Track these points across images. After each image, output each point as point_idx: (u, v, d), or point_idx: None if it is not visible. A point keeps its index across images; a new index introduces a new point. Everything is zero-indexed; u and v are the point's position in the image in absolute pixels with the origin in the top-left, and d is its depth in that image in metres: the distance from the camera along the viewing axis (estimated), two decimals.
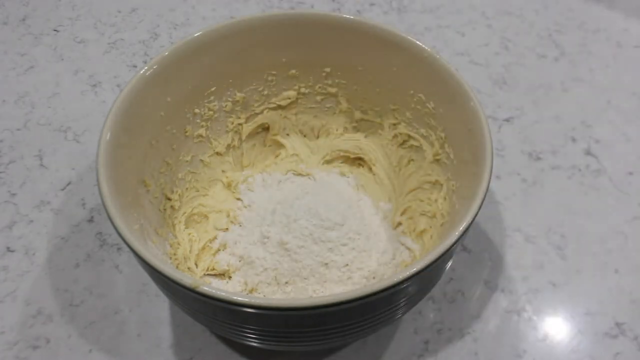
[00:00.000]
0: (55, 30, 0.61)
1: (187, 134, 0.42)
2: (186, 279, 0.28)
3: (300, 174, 0.45)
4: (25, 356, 0.39)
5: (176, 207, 0.40)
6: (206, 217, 0.42)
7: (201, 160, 0.43)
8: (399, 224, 0.42)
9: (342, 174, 0.45)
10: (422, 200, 0.41)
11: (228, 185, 0.44)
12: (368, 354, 0.39)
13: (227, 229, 0.42)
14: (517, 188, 0.48)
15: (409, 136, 0.43)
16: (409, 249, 0.40)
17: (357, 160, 0.46)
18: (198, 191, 0.43)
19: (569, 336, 0.40)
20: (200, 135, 0.43)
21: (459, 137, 0.37)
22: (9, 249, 0.44)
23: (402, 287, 0.28)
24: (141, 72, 0.37)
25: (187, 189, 0.42)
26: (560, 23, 0.61)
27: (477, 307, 0.41)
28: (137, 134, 0.37)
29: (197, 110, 0.42)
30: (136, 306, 0.41)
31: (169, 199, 0.40)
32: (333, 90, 0.45)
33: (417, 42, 0.39)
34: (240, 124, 0.45)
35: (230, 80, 0.42)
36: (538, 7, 0.63)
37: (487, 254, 0.44)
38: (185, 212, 0.41)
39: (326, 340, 0.33)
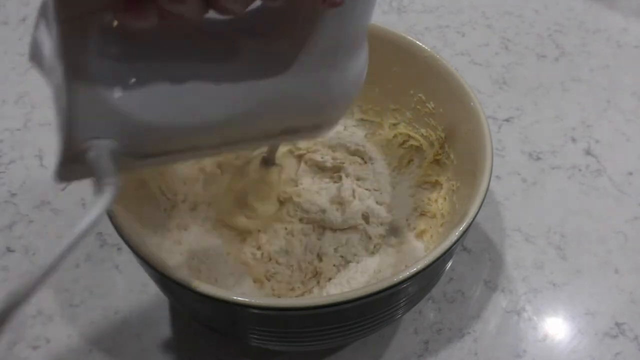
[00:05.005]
0: None
1: None
2: (186, 278, 0.28)
3: None
4: (25, 356, 0.39)
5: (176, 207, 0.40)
6: None
7: None
8: None
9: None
10: (422, 200, 0.41)
11: None
12: (368, 354, 0.39)
13: None
14: (517, 188, 0.48)
15: (409, 136, 0.43)
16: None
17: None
18: None
19: (569, 336, 0.40)
20: None
21: (459, 137, 0.37)
22: (9, 249, 0.44)
23: (402, 287, 0.29)
24: None
25: None
26: (560, 23, 0.61)
27: (477, 307, 0.41)
28: None
29: None
30: (136, 306, 0.41)
31: (169, 199, 0.40)
32: None
33: (417, 42, 0.39)
34: None
35: None
36: (538, 7, 0.63)
37: (487, 254, 0.44)
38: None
39: (326, 340, 0.33)
